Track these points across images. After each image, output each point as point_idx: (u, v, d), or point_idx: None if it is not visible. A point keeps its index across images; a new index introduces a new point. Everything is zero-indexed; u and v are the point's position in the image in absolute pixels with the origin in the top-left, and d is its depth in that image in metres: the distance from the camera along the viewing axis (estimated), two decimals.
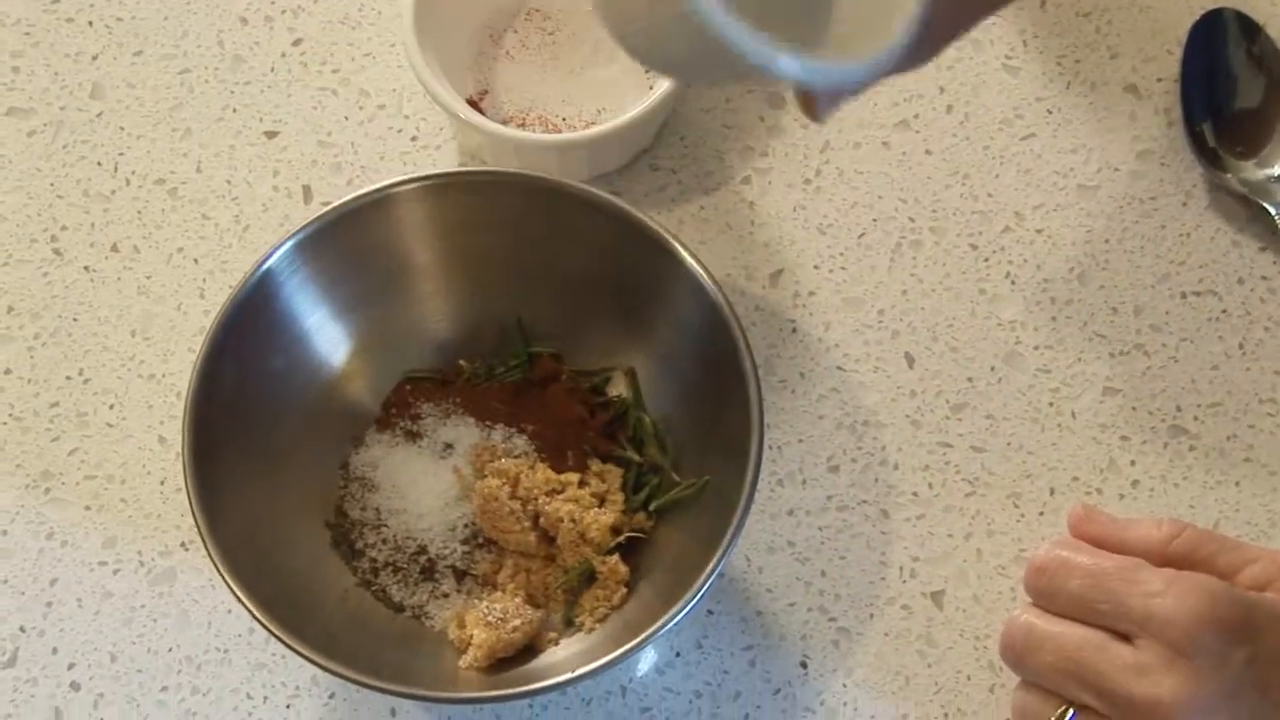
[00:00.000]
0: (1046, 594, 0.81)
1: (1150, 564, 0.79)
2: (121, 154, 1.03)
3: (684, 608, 0.80)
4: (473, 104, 0.99)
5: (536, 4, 1.04)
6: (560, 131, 1.00)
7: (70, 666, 0.90)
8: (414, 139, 1.03)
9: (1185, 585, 0.77)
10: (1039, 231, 0.99)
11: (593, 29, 1.02)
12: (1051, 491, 0.93)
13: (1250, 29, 1.02)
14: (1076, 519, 0.84)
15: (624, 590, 0.87)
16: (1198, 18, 1.03)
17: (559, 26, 1.03)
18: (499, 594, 0.88)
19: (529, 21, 1.04)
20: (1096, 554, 0.81)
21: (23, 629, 0.91)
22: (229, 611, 0.91)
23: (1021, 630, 0.81)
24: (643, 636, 0.80)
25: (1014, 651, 0.81)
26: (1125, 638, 0.77)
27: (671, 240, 0.87)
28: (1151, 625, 0.76)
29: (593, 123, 1.00)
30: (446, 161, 1.02)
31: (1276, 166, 0.99)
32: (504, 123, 0.99)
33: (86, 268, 1.00)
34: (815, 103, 0.71)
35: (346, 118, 1.04)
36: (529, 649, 0.87)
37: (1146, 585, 0.77)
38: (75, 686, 0.90)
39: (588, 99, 1.01)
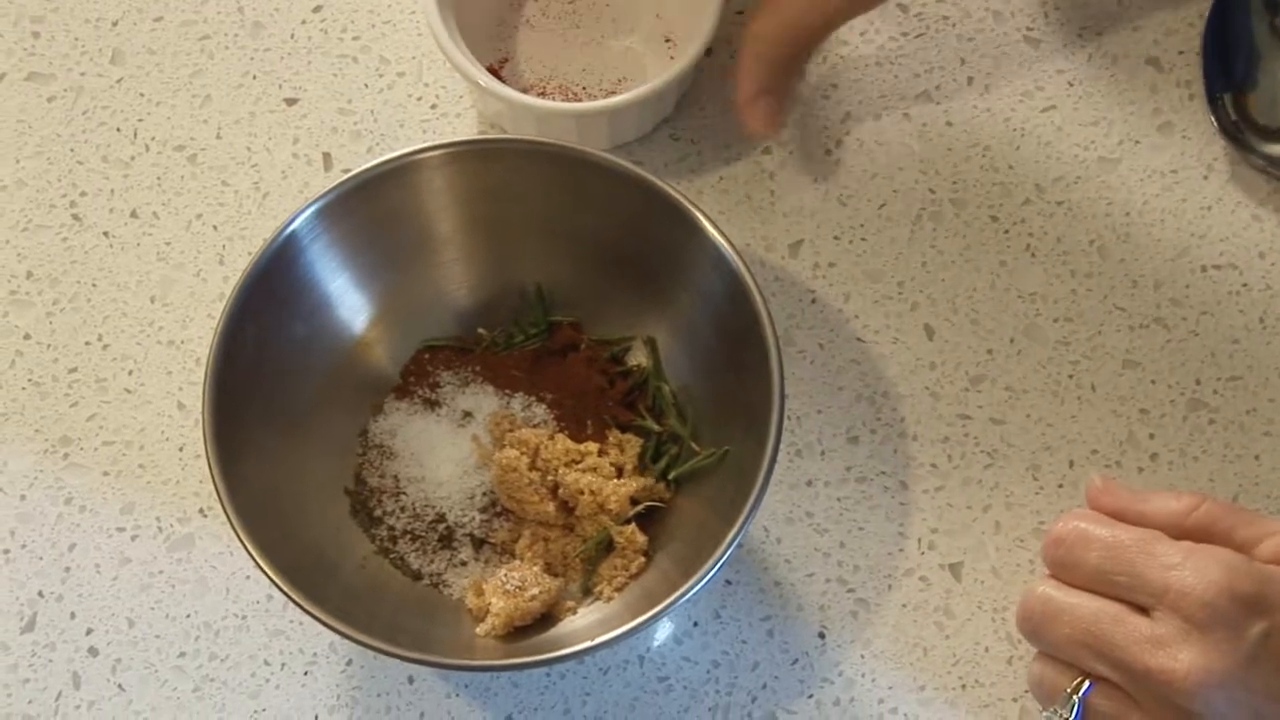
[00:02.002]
0: (1064, 565, 0.81)
1: (1168, 537, 0.79)
2: (141, 120, 1.03)
3: (702, 578, 0.80)
4: (493, 71, 0.99)
5: None
6: (580, 100, 1.00)
7: (88, 632, 0.90)
8: (434, 107, 1.03)
9: (1203, 558, 0.77)
10: (1059, 204, 0.99)
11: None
12: (1070, 464, 0.93)
13: (1273, 2, 1.02)
14: (1095, 491, 0.84)
15: (642, 559, 0.87)
16: None
17: None
18: (517, 562, 0.88)
19: None
20: (1115, 526, 0.81)
21: (41, 594, 0.91)
22: (247, 578, 0.91)
23: (1039, 602, 0.81)
24: (661, 606, 0.80)
25: (1031, 623, 0.81)
26: (1143, 610, 0.77)
27: (693, 209, 0.87)
28: (1169, 597, 0.76)
29: (613, 92, 1.00)
30: (466, 130, 1.02)
31: None
32: (524, 91, 0.99)
33: (106, 233, 1.00)
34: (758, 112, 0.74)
35: (366, 85, 1.04)
36: (547, 618, 0.87)
37: (1164, 558, 0.77)
38: (93, 652, 0.90)
39: (608, 68, 1.01)
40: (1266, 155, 0.98)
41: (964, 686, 0.88)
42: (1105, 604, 0.78)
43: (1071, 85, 1.03)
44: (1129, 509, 0.83)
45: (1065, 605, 0.80)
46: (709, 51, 0.98)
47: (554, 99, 0.99)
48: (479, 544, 0.89)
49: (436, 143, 0.89)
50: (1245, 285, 0.97)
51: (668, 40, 1.01)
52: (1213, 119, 1.00)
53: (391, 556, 0.89)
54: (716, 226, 0.86)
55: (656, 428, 0.91)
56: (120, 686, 0.89)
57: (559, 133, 0.96)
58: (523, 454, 0.88)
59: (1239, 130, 0.99)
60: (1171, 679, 0.75)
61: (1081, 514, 0.82)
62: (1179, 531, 0.80)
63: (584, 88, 1.01)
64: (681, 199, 0.87)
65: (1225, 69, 1.01)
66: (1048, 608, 0.80)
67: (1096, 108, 1.02)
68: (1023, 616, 0.82)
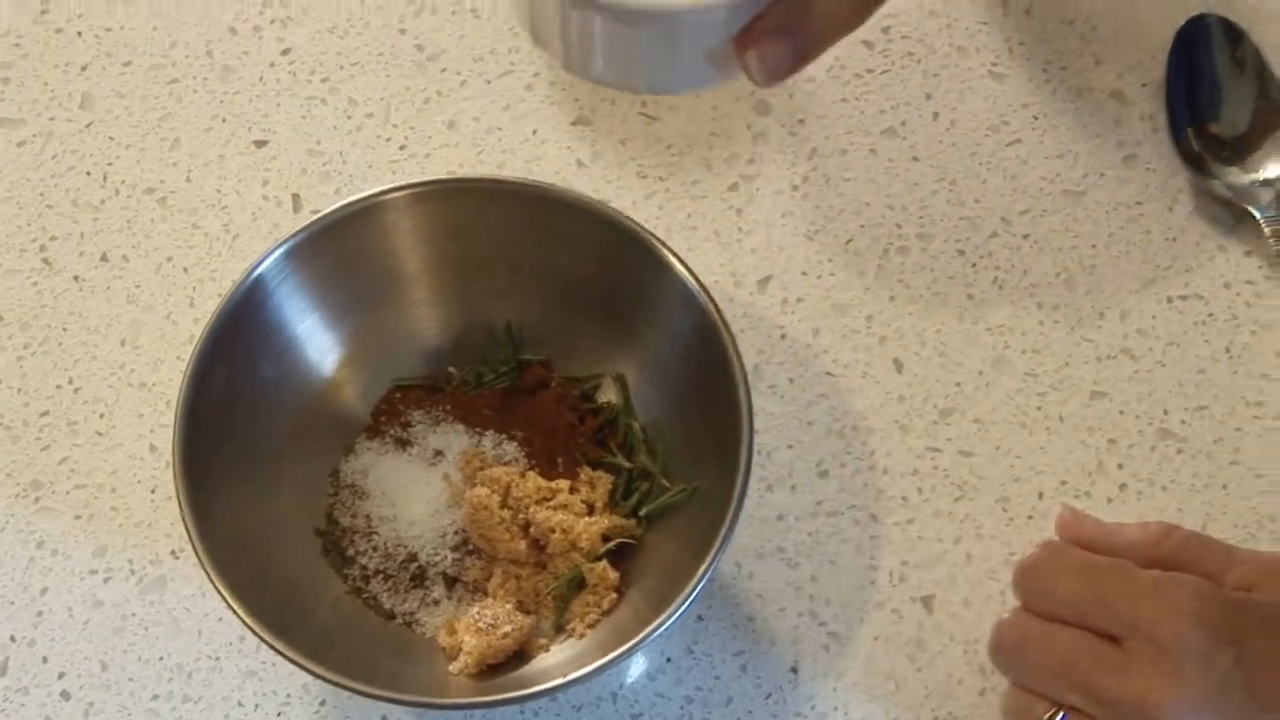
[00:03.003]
0: (1034, 596, 0.81)
1: (1138, 566, 0.79)
2: (111, 164, 1.03)
3: (674, 613, 0.80)
4: None
5: None
6: None
7: (61, 675, 0.90)
8: (402, 147, 1.03)
9: (1172, 586, 0.77)
10: (1025, 237, 1.00)
11: None
12: (1040, 495, 0.93)
13: (1234, 35, 1.03)
14: (1064, 522, 0.84)
15: (614, 596, 0.87)
16: (1181, 24, 1.03)
17: None
18: (489, 600, 0.88)
19: None
20: (1084, 555, 0.81)
21: (13, 638, 0.91)
22: (219, 619, 0.91)
23: (1010, 632, 0.81)
24: (633, 642, 0.80)
25: (1003, 653, 0.81)
26: (1114, 639, 0.77)
27: (660, 247, 0.87)
28: (1139, 626, 0.76)
29: None
30: (435, 170, 1.02)
31: (1261, 171, 0.99)
32: None
33: (76, 277, 1.00)
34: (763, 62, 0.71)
35: (335, 127, 1.04)
36: (520, 655, 0.87)
37: (1134, 586, 0.78)
38: (66, 696, 0.90)
39: None
40: (1230, 185, 0.99)
41: (937, 719, 0.88)
42: (1076, 633, 0.78)
43: (1036, 119, 1.03)
44: (1098, 540, 0.83)
45: (1036, 635, 0.80)
46: None
47: None
48: (451, 582, 0.89)
49: (404, 183, 0.90)
50: (1211, 315, 0.98)
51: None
52: (1177, 151, 1.01)
53: (364, 596, 0.89)
54: (684, 263, 0.87)
55: (627, 464, 0.91)
56: None
57: (621, 50, 0.78)
58: (494, 492, 0.88)
59: (1203, 162, 1.00)
60: (1144, 708, 0.75)
61: (1051, 544, 0.82)
62: (1148, 561, 0.81)
63: None
64: (649, 236, 0.87)
65: (1189, 101, 1.02)
66: (1019, 638, 0.80)
67: (1061, 141, 1.03)
68: (994, 647, 0.82)
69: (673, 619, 0.80)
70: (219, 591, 0.80)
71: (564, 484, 0.90)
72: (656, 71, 0.74)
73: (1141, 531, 0.82)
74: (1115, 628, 0.77)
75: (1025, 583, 0.82)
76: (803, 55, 0.70)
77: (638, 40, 0.72)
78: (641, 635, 0.80)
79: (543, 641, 0.87)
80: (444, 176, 0.98)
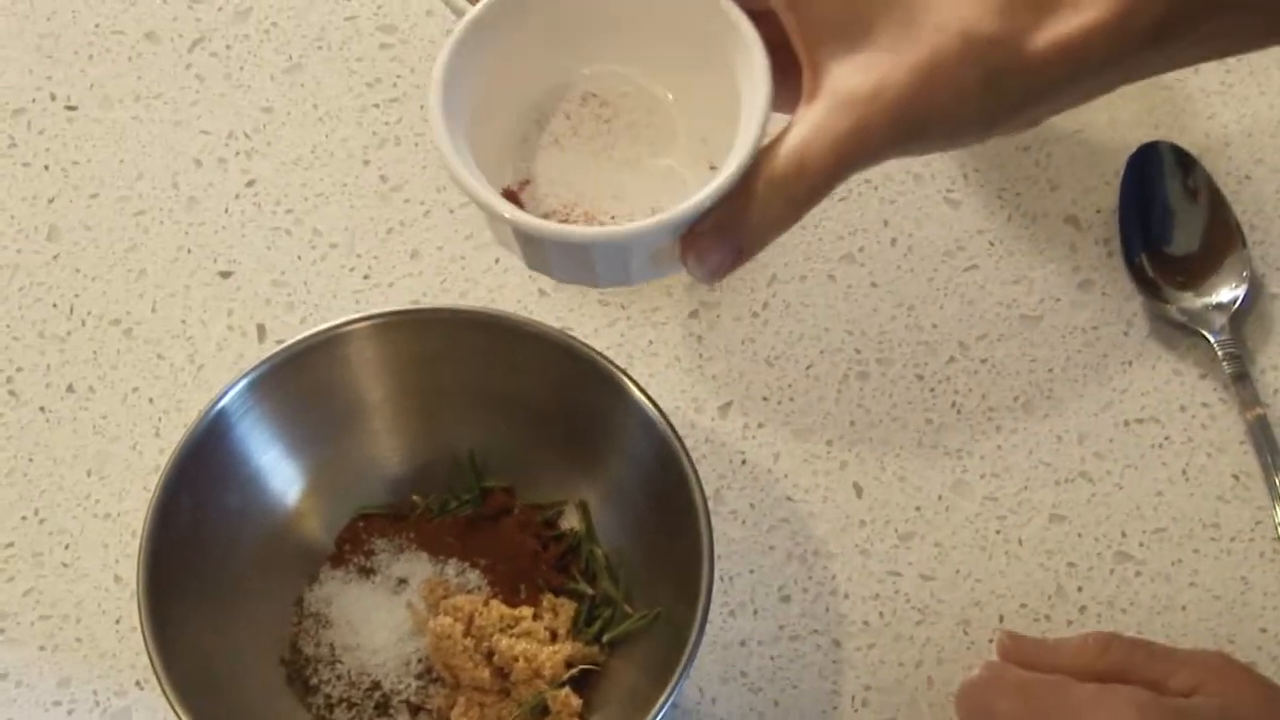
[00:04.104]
0: (976, 716, 0.81)
1: (1077, 681, 0.80)
2: (77, 295, 1.04)
3: None
4: (511, 195, 0.90)
5: (593, 87, 0.90)
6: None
7: None
8: (366, 277, 1.04)
9: (1113, 699, 0.77)
10: (983, 361, 1.01)
11: (655, 120, 0.89)
12: (1001, 618, 0.94)
13: (1186, 161, 1.05)
14: (1004, 648, 0.85)
15: None
16: (1134, 150, 1.05)
17: (616, 114, 0.94)
18: None
19: (584, 107, 0.94)
20: (1022, 674, 0.81)
21: None
22: None
23: None
24: None
25: None
26: None
27: (620, 375, 0.88)
28: None
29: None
30: (398, 299, 1.03)
31: (1213, 295, 1.00)
32: (545, 217, 0.89)
33: (42, 408, 1.00)
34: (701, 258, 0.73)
35: (300, 257, 1.05)
36: None
37: (1074, 701, 0.78)
38: None
39: (642, 195, 0.92)
40: (1184, 310, 1.00)
41: None
42: None
43: (993, 245, 1.05)
44: (1040, 659, 0.84)
45: None
46: None
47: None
48: (415, 710, 0.89)
49: (367, 313, 0.91)
50: (1168, 438, 0.99)
51: (712, 167, 0.86)
52: (1131, 276, 1.02)
53: None
54: (644, 391, 0.88)
55: (590, 591, 0.91)
56: None
57: (576, 263, 0.84)
58: (457, 621, 0.88)
59: (1156, 287, 1.01)
60: None
61: (992, 664, 0.83)
62: (1092, 675, 0.81)
63: (613, 216, 0.91)
64: (609, 364, 0.88)
65: (1141, 226, 1.03)
66: None
67: (1017, 266, 1.04)
68: None
69: None
70: None
71: (527, 611, 0.90)
72: (612, 275, 0.77)
73: (1081, 645, 0.83)
74: None
75: (966, 704, 0.82)
76: (741, 254, 0.71)
77: (591, 256, 0.75)
78: None
79: None
80: (407, 306, 0.99)
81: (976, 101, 0.67)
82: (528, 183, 0.88)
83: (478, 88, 0.81)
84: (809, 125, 0.68)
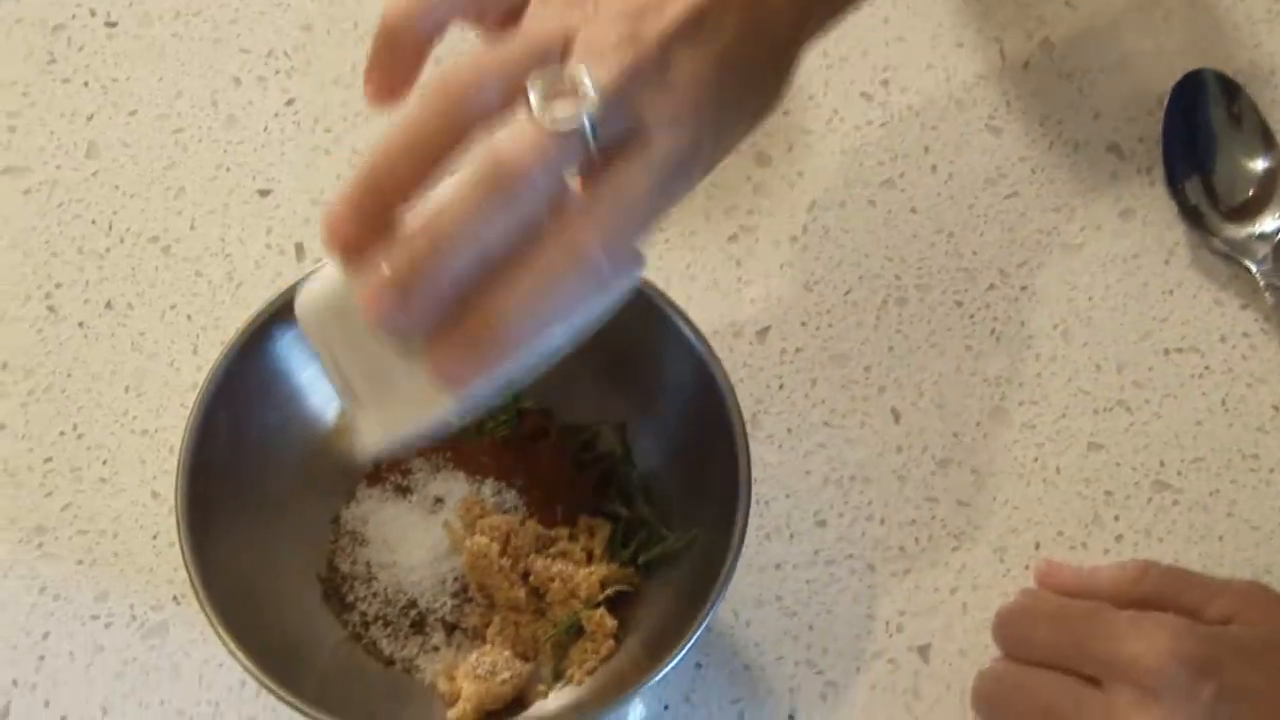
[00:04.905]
0: (1014, 644, 0.82)
1: (1113, 607, 0.80)
2: (116, 212, 1.04)
3: (671, 661, 0.80)
4: None
5: None
6: None
7: (62, 719, 0.90)
8: None
9: (1149, 625, 0.77)
10: (1023, 289, 1.00)
11: None
12: (1037, 545, 0.94)
13: (1230, 89, 1.04)
14: (1041, 575, 0.85)
15: (612, 643, 0.87)
16: (1178, 78, 1.04)
17: None
18: (488, 647, 0.88)
19: None
20: (1060, 601, 0.81)
21: (15, 682, 0.91)
22: (220, 665, 0.91)
23: (991, 681, 0.81)
24: (630, 690, 0.80)
25: (986, 703, 0.82)
26: (1096, 682, 0.78)
27: (659, 298, 0.88)
28: (1118, 667, 0.77)
29: None
30: None
31: (1257, 225, 1.00)
32: None
33: (80, 324, 1.01)
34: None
35: (339, 176, 1.05)
36: (518, 702, 0.87)
37: (1111, 628, 0.78)
38: None
39: None
40: (1227, 239, 1.00)
41: None
42: (1057, 679, 0.79)
43: (1034, 172, 1.04)
44: (1078, 586, 0.83)
45: (1017, 684, 0.80)
46: None
47: None
48: (451, 629, 0.89)
49: None
50: (1208, 368, 0.98)
51: None
52: (1174, 205, 1.01)
53: (364, 642, 0.89)
54: (683, 314, 0.88)
55: (625, 513, 0.91)
56: None
57: None
58: (493, 540, 0.89)
59: (1199, 215, 1.01)
60: None
61: (1029, 592, 0.83)
62: (1127, 601, 0.81)
63: None
64: (648, 287, 0.88)
65: (1185, 154, 1.03)
66: (1000, 687, 0.81)
67: (1059, 194, 1.03)
68: (977, 697, 0.82)
69: (670, 666, 0.80)
70: (221, 637, 0.81)
71: (563, 532, 0.90)
72: None
73: (1119, 572, 0.83)
74: (1095, 670, 0.78)
75: (1004, 632, 0.82)
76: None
77: None
78: (639, 682, 0.80)
79: (541, 688, 0.88)
80: None
81: None
82: None
83: None
84: None
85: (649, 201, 0.68)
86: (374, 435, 0.73)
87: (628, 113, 0.67)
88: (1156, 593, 0.82)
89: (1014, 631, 0.82)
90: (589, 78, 0.66)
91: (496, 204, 0.65)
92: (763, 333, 1.00)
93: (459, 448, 0.93)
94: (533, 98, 0.66)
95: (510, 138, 0.66)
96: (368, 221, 0.67)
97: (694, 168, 0.71)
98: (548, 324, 0.67)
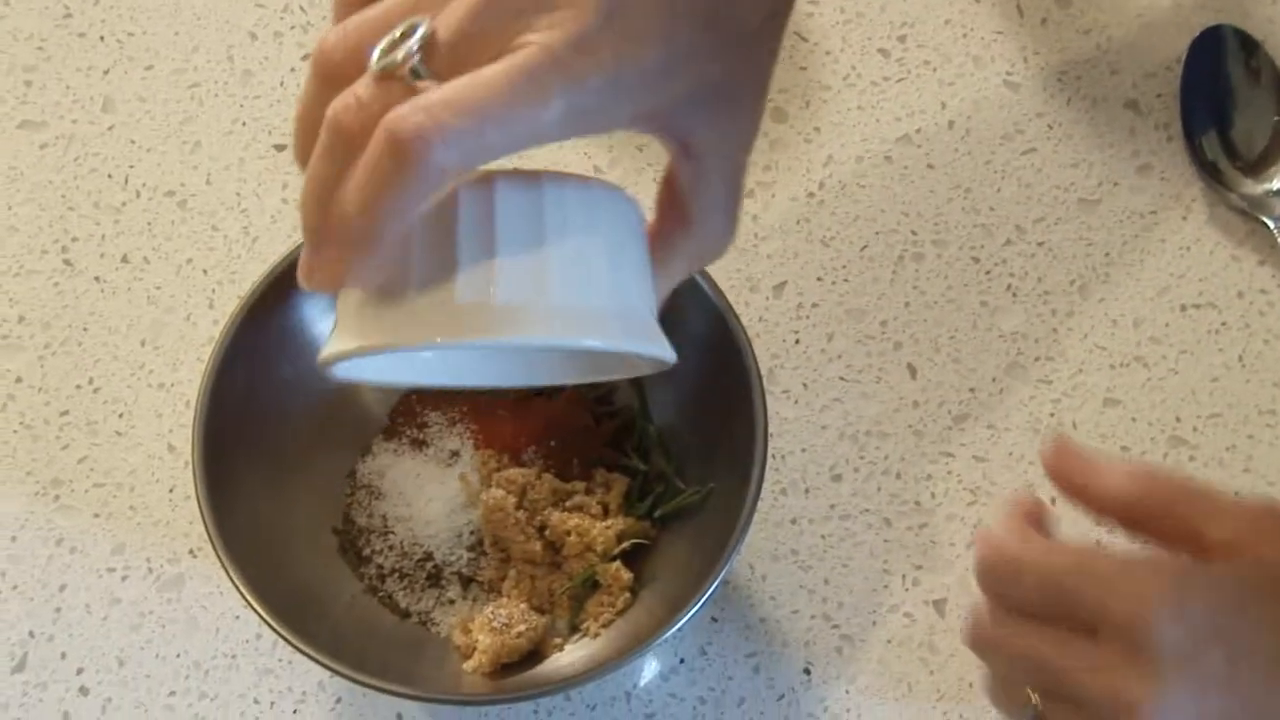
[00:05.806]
0: (999, 594, 0.76)
1: (1104, 554, 0.74)
2: (132, 166, 1.04)
3: (687, 614, 0.81)
4: None
5: None
6: None
7: (79, 671, 0.91)
8: None
9: (1141, 573, 0.72)
10: (1040, 244, 1.00)
11: None
12: (1053, 500, 0.93)
13: (1249, 45, 1.03)
14: (1050, 462, 0.79)
15: (628, 596, 0.88)
16: (1197, 34, 1.04)
17: None
18: (504, 600, 0.88)
19: None
20: (1044, 547, 0.75)
21: (32, 634, 0.92)
22: (236, 617, 0.92)
23: (980, 628, 0.75)
24: (646, 643, 0.81)
25: (976, 647, 0.77)
26: (1088, 630, 0.74)
27: None
28: (1109, 619, 0.71)
29: None
30: None
31: (1275, 181, 0.99)
32: None
33: (97, 278, 1.01)
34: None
35: None
36: (534, 654, 0.87)
37: (1100, 577, 0.72)
38: (84, 691, 0.90)
39: None
40: (1244, 195, 0.99)
41: None
42: (1045, 630, 0.73)
43: (1051, 128, 1.04)
44: (1081, 487, 0.77)
45: (1002, 635, 0.75)
46: None
47: None
48: (466, 582, 0.89)
49: None
50: (1224, 324, 0.98)
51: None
52: (1191, 160, 1.01)
53: (380, 595, 0.89)
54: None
55: (642, 467, 0.92)
56: None
57: None
58: (510, 493, 0.89)
59: (1217, 171, 1.00)
60: (1117, 704, 0.69)
61: (1010, 529, 0.76)
62: (1128, 515, 0.76)
63: None
64: None
65: (1203, 110, 1.02)
66: (990, 635, 0.76)
67: (1076, 150, 1.03)
68: (968, 640, 0.77)
69: (686, 619, 0.80)
70: (238, 589, 0.81)
71: (580, 486, 0.90)
72: None
73: (1125, 481, 0.76)
74: (1086, 619, 0.73)
75: (988, 580, 0.76)
76: None
77: None
78: (655, 635, 0.80)
79: (557, 641, 0.88)
80: None
81: None
82: None
83: None
84: None
85: (507, 95, 0.65)
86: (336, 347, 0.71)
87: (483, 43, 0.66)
88: (1160, 511, 0.77)
89: (996, 582, 0.76)
90: (425, 26, 0.65)
91: (338, 153, 0.65)
92: (779, 288, 0.99)
93: (475, 401, 0.93)
94: (374, 54, 0.66)
95: (345, 93, 0.66)
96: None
97: (585, 61, 0.65)
98: (385, 214, 0.66)
